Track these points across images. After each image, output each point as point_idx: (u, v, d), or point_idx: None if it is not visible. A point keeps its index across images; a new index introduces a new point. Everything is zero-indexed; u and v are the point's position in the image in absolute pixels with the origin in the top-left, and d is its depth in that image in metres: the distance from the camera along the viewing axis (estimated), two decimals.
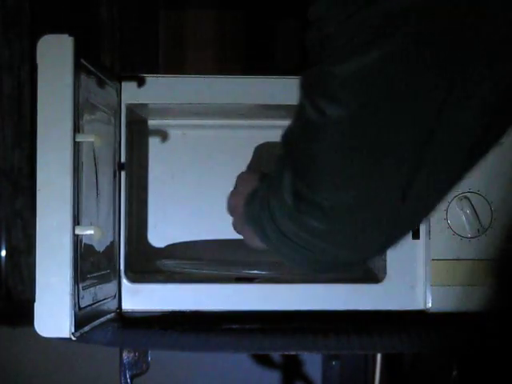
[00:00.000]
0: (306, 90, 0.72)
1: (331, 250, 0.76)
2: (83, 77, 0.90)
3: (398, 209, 0.72)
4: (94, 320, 0.94)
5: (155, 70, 1.67)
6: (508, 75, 0.67)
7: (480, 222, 1.04)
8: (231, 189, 1.00)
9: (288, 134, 0.79)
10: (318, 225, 0.73)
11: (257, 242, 0.94)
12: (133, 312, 1.07)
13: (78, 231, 0.86)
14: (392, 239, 0.76)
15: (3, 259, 1.65)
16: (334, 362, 1.63)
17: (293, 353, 1.34)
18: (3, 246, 1.65)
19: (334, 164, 0.71)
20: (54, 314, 0.84)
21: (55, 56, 0.86)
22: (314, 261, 0.79)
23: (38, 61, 0.86)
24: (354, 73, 0.67)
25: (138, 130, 1.22)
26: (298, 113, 0.75)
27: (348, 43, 0.67)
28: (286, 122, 0.76)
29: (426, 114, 0.67)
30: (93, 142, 0.90)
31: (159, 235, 1.24)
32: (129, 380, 1.03)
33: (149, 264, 1.18)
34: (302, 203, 0.74)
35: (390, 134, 0.68)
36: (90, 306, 0.92)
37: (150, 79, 1.08)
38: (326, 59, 0.69)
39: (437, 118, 0.67)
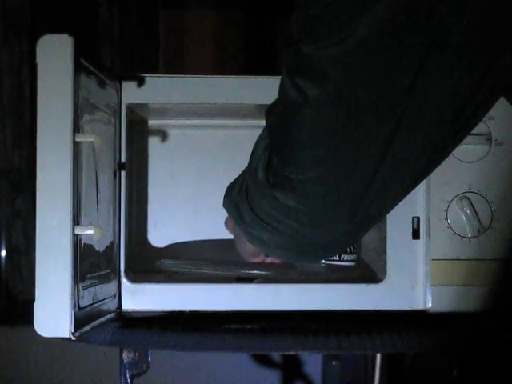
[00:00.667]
0: (288, 69, 0.73)
1: (298, 229, 0.77)
2: (83, 77, 0.90)
3: (362, 192, 0.73)
4: (93, 320, 0.94)
5: (155, 70, 1.67)
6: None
7: (480, 222, 1.04)
8: None
9: (270, 111, 0.81)
10: (288, 201, 0.75)
11: (246, 255, 0.97)
12: (133, 312, 1.07)
13: (77, 231, 0.86)
14: (357, 224, 0.77)
15: (3, 259, 1.65)
16: (333, 362, 1.63)
17: (293, 353, 1.34)
18: (3, 246, 1.65)
19: (306, 141, 0.72)
20: (53, 314, 0.84)
21: (55, 56, 0.86)
22: (286, 243, 0.81)
23: (38, 61, 0.86)
24: (336, 54, 0.68)
25: (138, 130, 1.22)
26: (279, 91, 0.76)
27: (332, 24, 0.68)
28: None
29: (399, 92, 0.68)
30: (93, 142, 0.90)
31: (159, 235, 1.24)
32: (129, 380, 1.03)
33: (149, 264, 1.18)
34: (273, 177, 0.77)
35: (365, 115, 0.69)
36: (89, 305, 0.92)
37: (150, 79, 1.08)
38: (309, 40, 0.70)
39: (409, 94, 0.68)
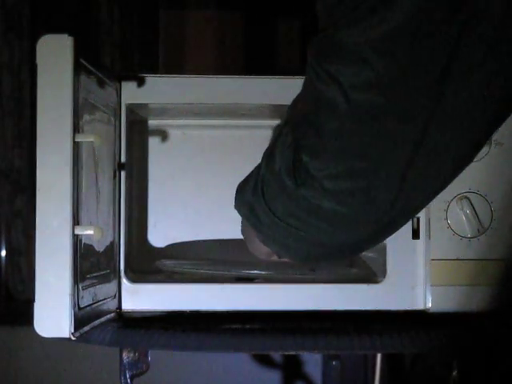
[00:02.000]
0: (316, 58, 0.70)
1: (326, 230, 0.74)
2: (83, 77, 0.90)
3: (397, 186, 0.70)
4: (93, 320, 0.94)
5: (155, 70, 1.67)
6: None
7: (480, 222, 1.04)
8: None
9: (293, 105, 0.78)
10: (316, 200, 0.72)
11: (261, 255, 0.94)
12: (133, 312, 1.07)
13: (77, 231, 0.86)
14: (387, 223, 0.74)
15: (3, 259, 1.65)
16: (333, 362, 1.62)
17: (293, 353, 1.34)
18: (3, 246, 1.65)
19: (337, 131, 0.69)
20: (53, 314, 0.84)
21: (55, 56, 0.86)
22: (306, 244, 0.77)
23: (38, 61, 0.86)
24: (374, 37, 0.65)
25: (138, 130, 1.22)
26: (305, 82, 0.73)
27: (368, 6, 0.65)
28: None
29: (436, 76, 0.66)
30: (93, 142, 0.90)
31: (159, 235, 1.24)
32: (129, 380, 1.03)
33: (149, 264, 1.18)
34: (301, 175, 0.73)
35: (402, 100, 0.67)
36: (89, 305, 0.92)
37: (150, 79, 1.08)
38: (343, 25, 0.67)
39: (446, 79, 0.66)
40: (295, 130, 0.75)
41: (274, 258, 0.93)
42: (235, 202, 0.87)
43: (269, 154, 0.79)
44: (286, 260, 0.92)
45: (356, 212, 0.72)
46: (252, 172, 0.85)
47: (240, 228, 0.94)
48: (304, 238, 0.76)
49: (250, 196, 0.81)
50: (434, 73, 0.66)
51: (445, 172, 0.72)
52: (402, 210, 0.72)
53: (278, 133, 0.80)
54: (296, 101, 0.78)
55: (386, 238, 0.79)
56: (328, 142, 0.70)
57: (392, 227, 0.76)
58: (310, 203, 0.73)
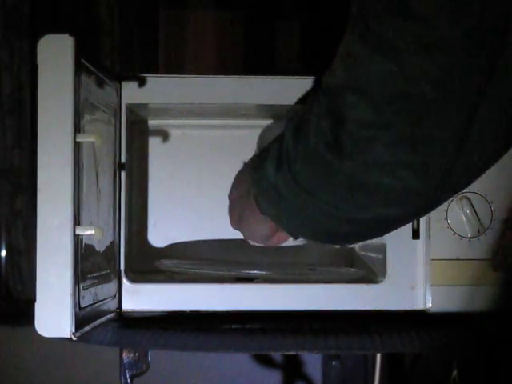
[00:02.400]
0: (364, 21, 0.66)
1: (363, 204, 0.70)
2: (83, 77, 0.90)
3: (451, 164, 0.67)
4: (94, 320, 0.94)
5: (155, 70, 1.67)
6: None
7: (480, 222, 1.04)
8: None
9: (329, 81, 0.73)
10: (360, 173, 0.68)
11: (257, 238, 0.92)
12: (133, 312, 1.07)
13: (78, 231, 0.86)
14: (432, 200, 0.71)
15: (3, 259, 1.65)
16: (333, 362, 1.63)
17: (293, 353, 1.34)
18: (3, 246, 1.65)
19: (393, 99, 0.65)
20: (54, 314, 0.84)
21: (55, 56, 0.86)
22: (335, 222, 0.74)
23: (38, 61, 0.86)
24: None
25: (138, 130, 1.22)
26: (348, 52, 0.69)
27: None
28: None
29: (497, 34, 0.63)
30: (93, 142, 0.90)
31: (159, 235, 1.24)
32: (129, 380, 1.04)
33: (149, 264, 1.18)
34: (346, 147, 0.68)
35: (462, 62, 0.63)
36: (90, 305, 0.92)
37: (150, 79, 1.08)
38: None
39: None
40: (336, 101, 0.70)
41: (272, 241, 0.92)
42: (254, 181, 0.82)
43: (297, 129, 0.75)
44: (288, 241, 0.90)
45: (405, 185, 0.68)
46: (269, 148, 0.81)
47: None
48: (335, 214, 0.73)
49: (272, 173, 0.77)
50: (494, 33, 0.63)
51: (497, 143, 0.69)
52: (453, 183, 0.69)
53: (308, 106, 0.75)
54: (332, 71, 0.72)
55: (422, 216, 0.77)
56: (381, 109, 0.66)
57: (435, 203, 0.73)
58: (354, 177, 0.69)
